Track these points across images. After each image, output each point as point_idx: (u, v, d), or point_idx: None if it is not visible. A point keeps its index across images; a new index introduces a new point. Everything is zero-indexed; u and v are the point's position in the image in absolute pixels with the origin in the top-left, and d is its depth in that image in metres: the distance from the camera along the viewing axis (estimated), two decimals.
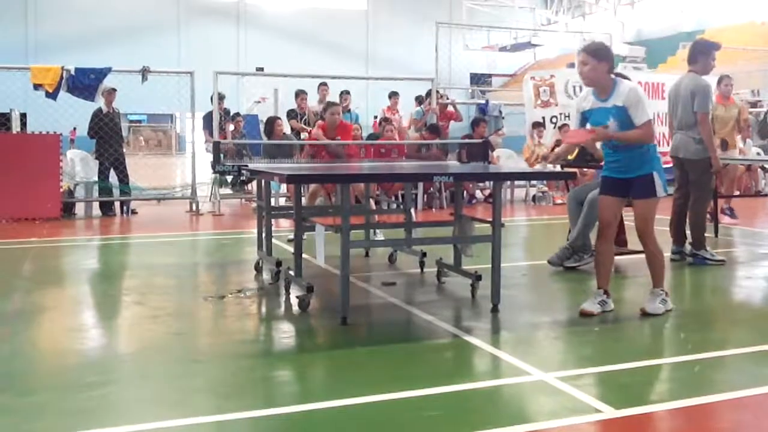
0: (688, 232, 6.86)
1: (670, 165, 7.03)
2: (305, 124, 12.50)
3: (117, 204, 10.99)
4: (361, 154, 10.34)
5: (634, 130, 4.70)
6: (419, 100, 14.44)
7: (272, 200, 7.27)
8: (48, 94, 10.44)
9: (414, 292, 5.87)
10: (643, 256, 6.63)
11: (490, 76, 26.93)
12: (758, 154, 12.44)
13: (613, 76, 4.75)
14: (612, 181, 4.91)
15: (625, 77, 4.85)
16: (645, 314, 4.88)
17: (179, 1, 37.22)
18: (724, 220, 9.44)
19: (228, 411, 3.23)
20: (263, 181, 6.37)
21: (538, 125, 12.83)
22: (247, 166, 6.24)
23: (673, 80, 7.17)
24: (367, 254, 7.11)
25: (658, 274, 5.05)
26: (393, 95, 14.21)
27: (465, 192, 12.04)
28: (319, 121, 9.08)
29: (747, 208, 10.27)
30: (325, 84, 13.19)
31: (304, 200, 7.13)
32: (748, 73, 19.90)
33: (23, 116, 15.64)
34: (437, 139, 12.03)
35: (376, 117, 13.64)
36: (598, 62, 4.64)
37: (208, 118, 12.15)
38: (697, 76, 6.68)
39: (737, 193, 10.57)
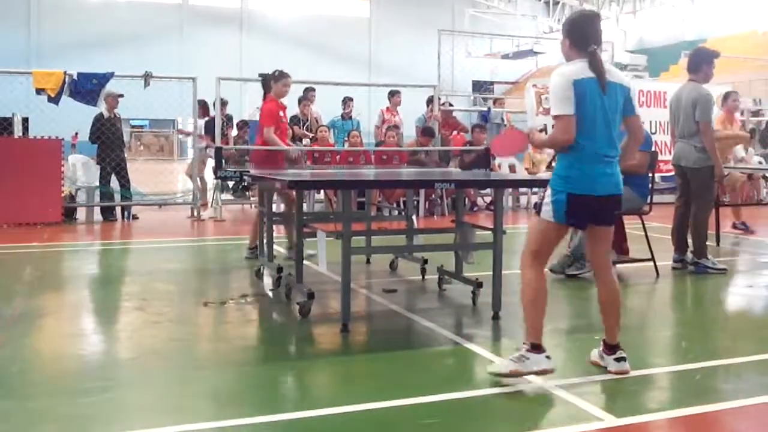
0: (689, 240, 6.85)
1: (672, 173, 7.04)
2: (307, 131, 12.52)
3: (118, 209, 10.99)
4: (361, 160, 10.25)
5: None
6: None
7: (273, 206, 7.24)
8: (50, 99, 10.43)
9: (415, 299, 5.86)
10: (641, 264, 6.66)
11: (492, 83, 26.90)
12: (760, 162, 12.43)
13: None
14: None
15: (590, 59, 3.81)
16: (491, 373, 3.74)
17: (182, 7, 37.32)
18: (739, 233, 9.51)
19: (228, 417, 3.22)
20: None
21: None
22: (248, 171, 6.24)
23: (675, 89, 7.17)
24: (368, 261, 7.10)
25: (528, 319, 3.79)
26: (394, 94, 13.37)
27: (467, 199, 12.04)
28: (266, 106, 7.30)
29: (749, 217, 10.26)
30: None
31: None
32: (749, 82, 19.94)
33: (25, 121, 15.70)
34: (431, 141, 12.05)
35: (378, 126, 13.37)
36: (563, 38, 3.93)
37: (210, 124, 12.15)
38: (699, 85, 6.69)
39: (739, 201, 10.59)
